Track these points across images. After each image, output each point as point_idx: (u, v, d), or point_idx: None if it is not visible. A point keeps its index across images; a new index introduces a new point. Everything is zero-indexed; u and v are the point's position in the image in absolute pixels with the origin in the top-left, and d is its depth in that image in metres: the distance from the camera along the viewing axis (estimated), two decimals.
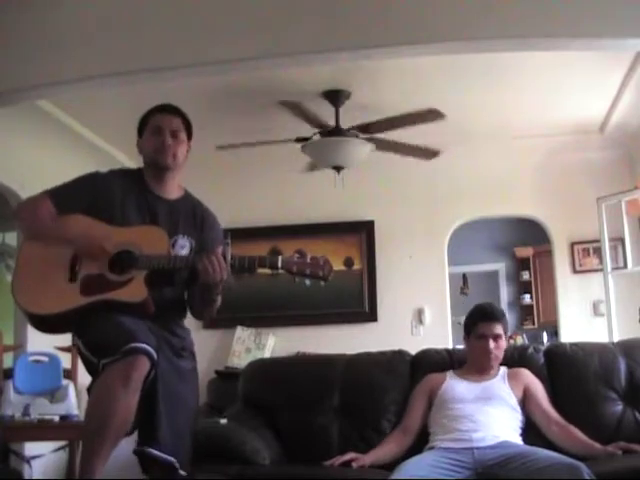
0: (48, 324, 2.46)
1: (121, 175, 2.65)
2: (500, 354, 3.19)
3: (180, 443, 2.41)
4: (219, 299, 2.54)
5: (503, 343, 3.20)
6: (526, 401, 3.12)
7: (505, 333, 3.23)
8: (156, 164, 2.59)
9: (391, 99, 4.99)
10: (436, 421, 3.11)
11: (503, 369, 3.21)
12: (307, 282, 2.46)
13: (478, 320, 3.22)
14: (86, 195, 2.52)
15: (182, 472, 2.40)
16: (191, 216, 2.64)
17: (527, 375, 3.20)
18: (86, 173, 2.63)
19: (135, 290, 2.37)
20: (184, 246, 2.57)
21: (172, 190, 2.64)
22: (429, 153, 5.24)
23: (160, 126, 2.58)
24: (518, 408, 3.09)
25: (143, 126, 2.64)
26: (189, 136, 2.66)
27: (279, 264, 2.43)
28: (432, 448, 2.98)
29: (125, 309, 2.35)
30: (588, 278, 5.89)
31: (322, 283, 2.47)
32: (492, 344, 3.15)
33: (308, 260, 2.45)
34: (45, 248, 2.46)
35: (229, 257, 2.39)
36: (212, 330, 5.87)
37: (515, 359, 3.32)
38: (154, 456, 2.32)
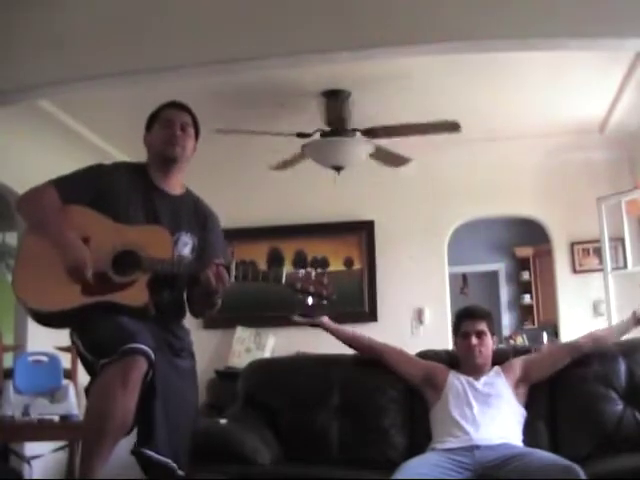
0: (47, 320, 2.44)
1: (126, 169, 2.64)
2: (485, 350, 3.20)
3: (180, 443, 2.41)
4: (219, 302, 2.55)
5: (488, 340, 3.21)
6: (532, 370, 3.19)
7: (491, 332, 3.24)
8: (164, 156, 2.58)
9: (391, 99, 4.99)
10: (438, 421, 3.11)
11: (497, 367, 3.22)
12: (309, 300, 2.45)
13: (461, 319, 3.28)
14: (92, 187, 2.50)
15: (180, 472, 2.39)
16: (194, 213, 2.63)
17: (516, 359, 3.25)
18: (92, 164, 2.62)
19: (137, 294, 2.37)
20: (187, 243, 2.56)
21: (176, 186, 2.64)
22: (451, 126, 5.00)
23: (171, 119, 2.59)
24: (516, 401, 3.10)
25: (153, 120, 2.64)
26: (196, 135, 2.67)
27: (283, 280, 2.43)
28: (434, 449, 2.99)
29: (125, 311, 2.34)
30: (588, 278, 5.89)
31: (324, 302, 2.46)
32: (475, 340, 3.17)
33: (312, 277, 2.45)
34: (47, 242, 2.43)
35: (233, 270, 2.40)
36: (212, 330, 5.87)
37: None
38: (150, 457, 2.31)
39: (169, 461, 2.34)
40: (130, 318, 2.33)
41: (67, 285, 2.38)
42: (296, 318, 3.15)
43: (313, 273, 2.45)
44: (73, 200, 2.48)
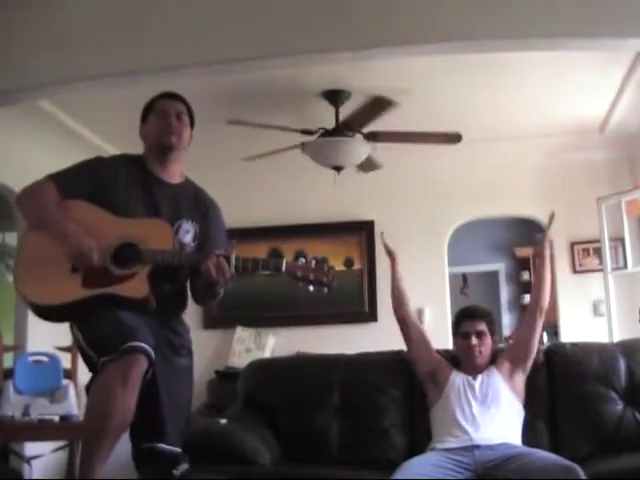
0: (47, 313, 2.43)
1: (124, 160, 2.65)
2: (485, 350, 3.21)
3: (180, 437, 2.44)
4: (221, 292, 2.55)
5: (488, 340, 3.23)
6: (517, 351, 3.27)
7: (491, 332, 3.24)
8: (161, 145, 2.58)
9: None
10: (438, 421, 3.12)
11: (491, 366, 3.23)
12: (310, 288, 2.45)
13: (461, 319, 3.29)
14: (91, 180, 2.51)
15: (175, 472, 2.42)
16: (194, 201, 2.64)
17: (501, 353, 3.30)
18: (90, 158, 2.63)
19: (137, 286, 2.36)
20: (188, 231, 2.57)
21: (174, 174, 2.64)
22: (452, 137, 5.11)
23: (165, 109, 2.60)
24: (515, 398, 3.10)
25: (147, 112, 2.65)
26: (192, 124, 2.67)
27: (283, 268, 2.42)
28: (433, 449, 2.99)
29: (126, 304, 2.34)
30: (588, 278, 5.88)
31: (325, 290, 2.46)
32: (475, 340, 3.18)
33: (312, 265, 2.44)
34: (48, 237, 2.43)
35: (233, 261, 2.39)
36: (212, 330, 5.87)
37: None
38: (163, 451, 2.35)
39: (180, 451, 2.40)
40: (130, 313, 2.32)
41: (68, 278, 2.38)
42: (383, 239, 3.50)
43: (313, 261, 2.45)
44: (72, 194, 2.48)
